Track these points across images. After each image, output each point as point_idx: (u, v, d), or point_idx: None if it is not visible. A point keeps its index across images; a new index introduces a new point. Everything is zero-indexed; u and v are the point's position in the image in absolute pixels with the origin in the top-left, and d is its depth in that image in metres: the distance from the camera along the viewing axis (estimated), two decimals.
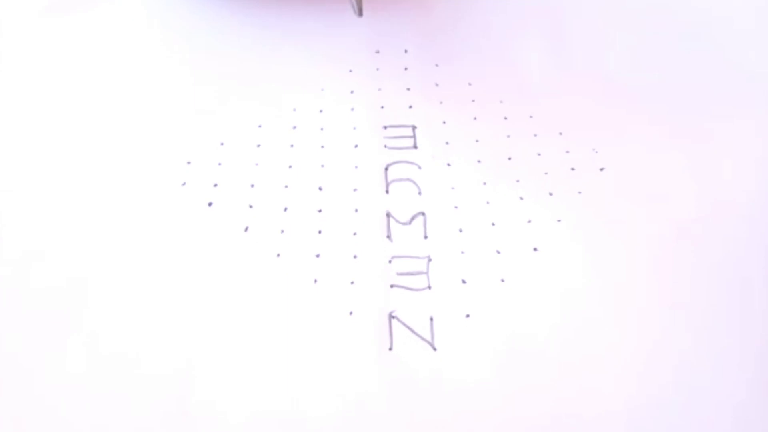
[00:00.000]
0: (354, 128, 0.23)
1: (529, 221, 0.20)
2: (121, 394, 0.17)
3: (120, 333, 0.18)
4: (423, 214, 0.21)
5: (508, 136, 0.22)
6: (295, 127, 0.23)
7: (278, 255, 0.20)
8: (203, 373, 0.18)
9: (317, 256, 0.20)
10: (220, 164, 0.21)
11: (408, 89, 0.24)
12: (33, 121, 0.22)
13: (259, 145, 0.22)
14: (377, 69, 0.24)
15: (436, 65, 0.25)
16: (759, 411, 0.17)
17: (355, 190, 0.21)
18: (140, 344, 0.18)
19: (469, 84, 0.24)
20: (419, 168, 0.22)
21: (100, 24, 0.25)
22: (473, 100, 0.24)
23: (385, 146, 0.22)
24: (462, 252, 0.20)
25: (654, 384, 0.18)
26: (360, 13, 0.22)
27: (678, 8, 0.26)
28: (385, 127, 0.23)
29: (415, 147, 0.22)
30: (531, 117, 0.23)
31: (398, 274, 0.19)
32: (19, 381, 0.17)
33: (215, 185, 0.21)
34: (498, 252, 0.20)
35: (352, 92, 0.24)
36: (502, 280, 0.19)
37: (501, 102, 0.23)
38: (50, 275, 0.19)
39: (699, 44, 0.25)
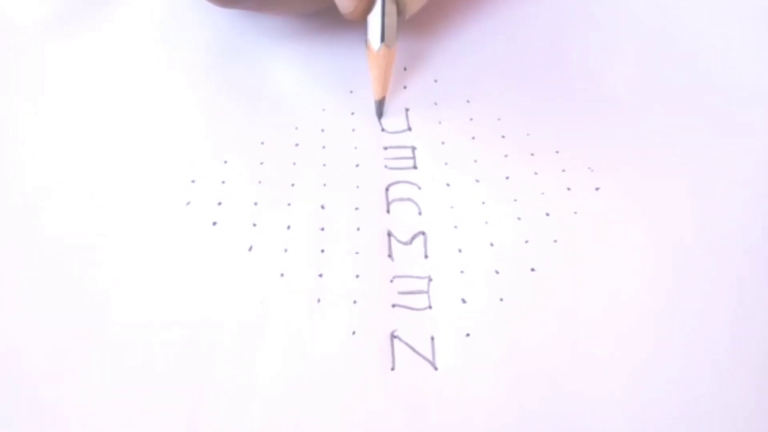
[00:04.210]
0: (355, 148, 0.23)
1: (527, 241, 0.21)
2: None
3: (125, 355, 0.19)
4: (423, 233, 0.21)
5: (506, 156, 0.23)
6: (297, 145, 0.23)
7: (282, 274, 0.20)
8: (208, 395, 0.18)
9: (320, 275, 0.20)
10: (223, 182, 0.22)
11: (407, 109, 0.24)
12: (33, 140, 0.23)
13: (262, 163, 0.22)
14: None
15: (435, 81, 0.25)
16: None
17: (356, 209, 0.22)
18: (145, 367, 0.18)
19: (468, 101, 0.25)
20: (419, 188, 0.22)
21: (99, 44, 0.25)
22: (471, 119, 0.24)
23: (386, 166, 0.23)
24: (462, 272, 0.20)
25: (655, 401, 0.18)
26: (380, 115, 0.24)
27: (676, 29, 0.27)
28: (386, 148, 0.23)
29: (415, 167, 0.23)
30: (528, 135, 0.24)
31: (400, 293, 0.20)
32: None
33: (219, 203, 0.21)
34: (497, 272, 0.20)
35: (352, 113, 0.24)
36: (501, 300, 0.20)
37: (499, 119, 0.24)
38: (56, 298, 0.19)
39: (697, 65, 0.26)
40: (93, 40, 0.25)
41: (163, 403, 0.18)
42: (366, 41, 0.23)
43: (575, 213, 0.21)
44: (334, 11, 0.23)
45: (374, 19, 0.22)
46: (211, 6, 0.27)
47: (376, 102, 0.24)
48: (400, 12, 0.23)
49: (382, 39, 0.22)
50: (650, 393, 0.18)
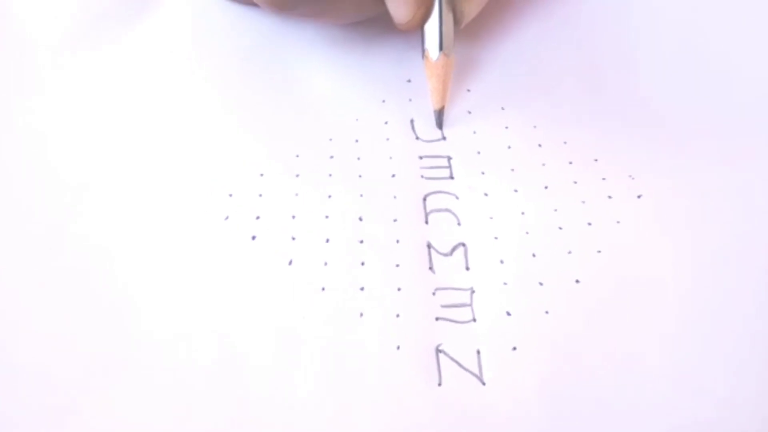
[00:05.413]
0: (390, 158, 0.23)
1: (570, 252, 0.20)
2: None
3: (163, 373, 0.18)
4: (464, 245, 0.21)
5: (543, 165, 0.23)
6: (332, 157, 0.23)
7: (323, 288, 0.20)
8: (247, 413, 0.18)
9: (361, 289, 0.20)
10: (261, 196, 0.22)
11: None
12: (65, 153, 0.23)
13: (298, 176, 0.22)
14: (410, 99, 0.24)
15: (468, 90, 0.25)
16: None
17: (395, 220, 0.21)
18: (184, 383, 0.18)
19: (502, 109, 0.24)
20: (457, 198, 0.22)
21: (133, 54, 0.25)
22: (506, 127, 0.24)
23: (422, 176, 0.22)
24: (505, 283, 0.20)
25: (705, 415, 0.18)
26: (440, 125, 0.24)
27: (716, 34, 0.26)
28: (421, 158, 0.23)
29: (452, 177, 0.22)
30: (565, 143, 0.23)
31: (443, 306, 0.20)
32: None
33: (258, 217, 0.21)
34: (541, 284, 0.20)
35: (386, 122, 0.24)
36: (547, 312, 0.19)
37: (535, 127, 0.24)
38: (90, 316, 0.19)
39: (737, 66, 0.25)
40: (125, 51, 0.25)
41: (199, 420, 0.18)
42: (423, 51, 0.23)
43: (618, 222, 0.21)
44: (384, 20, 0.23)
45: (431, 28, 0.22)
46: (243, 15, 0.27)
47: (435, 112, 0.24)
48: (456, 20, 0.23)
49: (441, 48, 0.22)
50: (700, 407, 0.18)
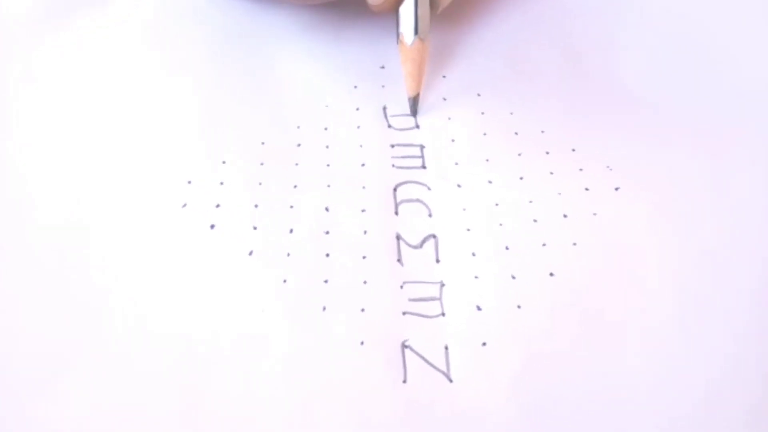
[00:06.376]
0: (360, 146, 0.22)
1: (544, 244, 0.20)
2: None
3: (117, 365, 0.17)
4: (434, 236, 0.20)
5: (519, 155, 0.22)
6: (299, 145, 0.22)
7: (285, 281, 0.19)
8: (206, 410, 0.17)
9: (325, 281, 0.19)
10: (222, 183, 0.21)
11: None
12: (21, 139, 0.22)
13: (262, 164, 0.21)
14: (383, 86, 0.24)
15: (444, 76, 0.24)
16: None
17: (363, 211, 0.20)
18: (139, 378, 0.17)
19: (478, 95, 0.23)
20: (429, 189, 0.21)
21: (92, 38, 0.24)
22: (482, 113, 0.23)
23: (393, 165, 0.22)
24: (476, 277, 0.19)
25: (683, 409, 0.17)
26: (414, 113, 0.23)
27: (695, 23, 0.26)
28: (393, 146, 0.22)
29: (424, 167, 0.21)
30: (542, 132, 0.23)
31: (410, 300, 0.19)
32: None
33: (217, 206, 0.20)
34: (513, 277, 0.19)
35: (357, 109, 0.23)
36: (519, 307, 0.18)
37: (511, 114, 0.23)
38: (43, 306, 0.18)
39: (719, 57, 0.25)
40: (86, 35, 0.24)
41: (158, 416, 0.17)
42: (398, 35, 0.22)
43: (594, 214, 0.20)
44: (357, 2, 0.22)
45: (407, 10, 0.22)
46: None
47: (409, 99, 0.23)
48: (432, 4, 0.22)
49: (416, 32, 0.22)
50: (678, 402, 0.17)
